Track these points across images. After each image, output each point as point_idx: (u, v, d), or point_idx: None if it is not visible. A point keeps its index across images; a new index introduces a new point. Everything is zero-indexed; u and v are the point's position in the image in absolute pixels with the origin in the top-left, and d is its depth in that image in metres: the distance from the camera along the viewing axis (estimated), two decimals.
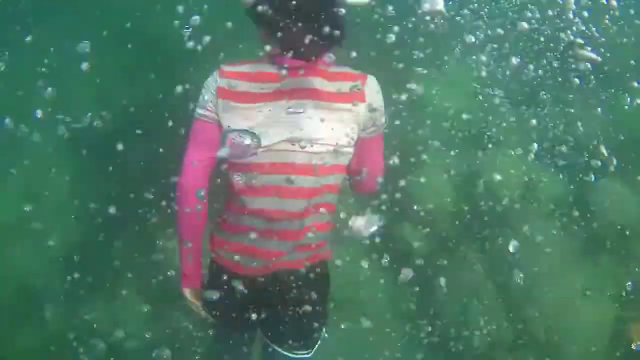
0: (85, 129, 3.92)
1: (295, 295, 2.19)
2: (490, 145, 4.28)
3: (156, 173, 3.57)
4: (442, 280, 3.74)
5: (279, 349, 2.36)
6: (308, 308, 2.22)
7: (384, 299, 3.80)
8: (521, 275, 3.77)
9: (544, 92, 4.56)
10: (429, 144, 4.00)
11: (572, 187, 4.25)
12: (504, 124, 4.37)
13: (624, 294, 4.01)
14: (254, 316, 2.24)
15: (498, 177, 3.92)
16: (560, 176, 4.27)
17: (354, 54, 2.13)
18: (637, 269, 4.07)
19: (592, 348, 3.85)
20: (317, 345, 2.41)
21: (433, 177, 4.02)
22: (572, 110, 4.49)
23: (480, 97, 4.45)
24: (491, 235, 3.89)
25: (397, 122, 4.05)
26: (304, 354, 2.37)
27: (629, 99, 4.54)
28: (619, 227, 4.10)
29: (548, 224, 3.98)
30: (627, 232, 4.11)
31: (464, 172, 4.18)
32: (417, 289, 3.80)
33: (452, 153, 4.18)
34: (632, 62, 4.64)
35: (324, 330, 2.40)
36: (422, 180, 3.74)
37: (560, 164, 4.20)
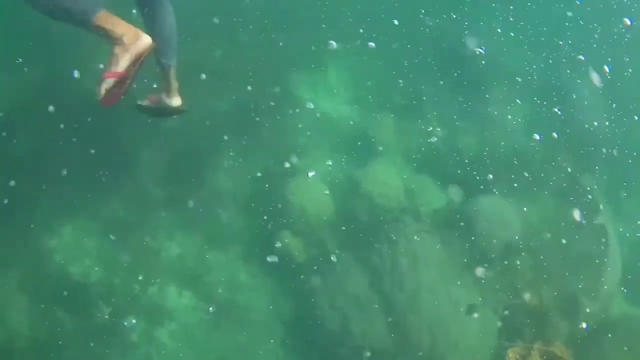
0: None
1: None
2: (370, 154, 4.31)
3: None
4: None
5: None
6: None
7: (263, 305, 3.74)
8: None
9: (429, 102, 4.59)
10: (307, 151, 4.00)
11: (453, 198, 4.29)
12: (385, 133, 4.41)
13: (504, 311, 4.08)
14: None
15: (378, 186, 3.96)
16: (441, 188, 4.31)
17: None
18: (517, 284, 4.17)
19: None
20: None
21: (311, 186, 3.99)
22: (456, 121, 4.60)
23: (363, 104, 4.47)
24: (371, 245, 3.90)
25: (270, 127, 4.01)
26: None
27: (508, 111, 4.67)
28: (499, 240, 4.17)
29: (429, 235, 4.02)
30: (508, 246, 4.21)
31: (342, 181, 4.16)
32: (296, 298, 3.79)
33: (330, 162, 4.18)
34: (518, 79, 4.80)
35: None
36: (300, 189, 3.74)
37: (442, 175, 4.26)
